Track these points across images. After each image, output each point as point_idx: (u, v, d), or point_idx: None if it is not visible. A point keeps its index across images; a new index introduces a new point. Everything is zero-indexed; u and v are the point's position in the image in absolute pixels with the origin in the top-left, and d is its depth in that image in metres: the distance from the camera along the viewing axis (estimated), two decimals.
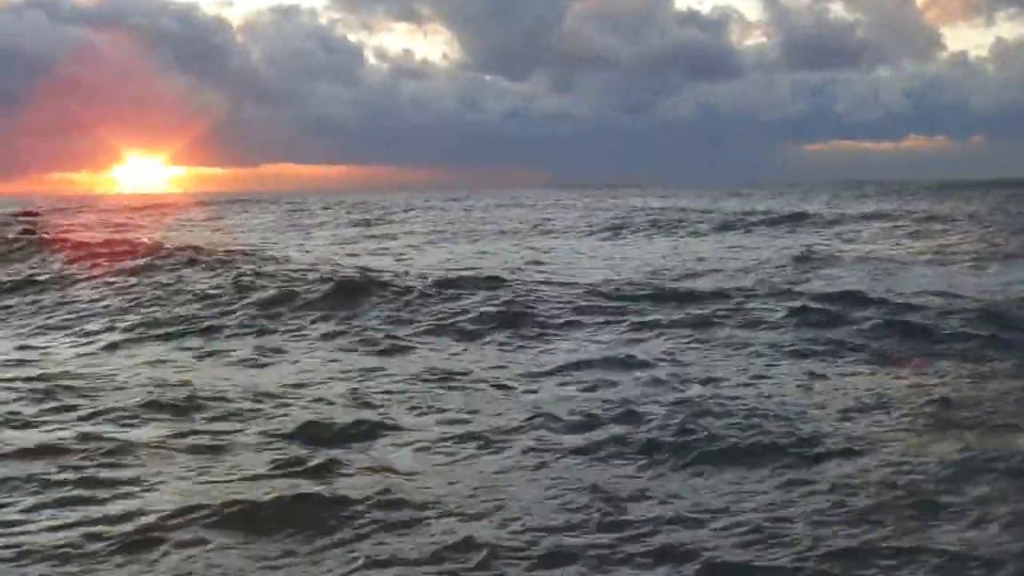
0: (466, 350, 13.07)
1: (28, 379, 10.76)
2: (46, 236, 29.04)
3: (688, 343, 13.02)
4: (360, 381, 11.00)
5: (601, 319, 14.82)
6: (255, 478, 7.41)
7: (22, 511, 6.73)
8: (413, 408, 9.71)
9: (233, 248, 27.05)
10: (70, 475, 7.40)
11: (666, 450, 8.10)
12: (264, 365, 12.19)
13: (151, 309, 16.48)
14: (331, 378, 11.19)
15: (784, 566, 5.82)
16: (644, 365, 11.55)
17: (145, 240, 27.98)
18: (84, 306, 17.21)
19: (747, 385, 10.56)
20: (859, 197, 72.09)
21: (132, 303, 17.16)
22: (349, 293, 16.80)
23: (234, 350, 13.15)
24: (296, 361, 12.39)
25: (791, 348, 12.49)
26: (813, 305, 15.03)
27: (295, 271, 19.81)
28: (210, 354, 12.98)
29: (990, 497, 6.82)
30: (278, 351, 13.06)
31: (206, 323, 15.11)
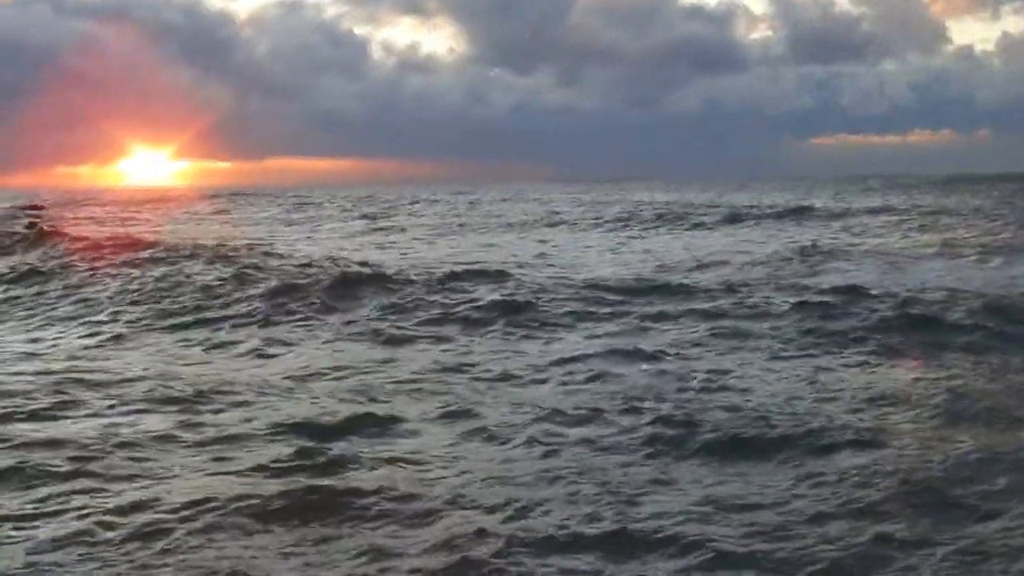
0: (473, 342, 13.09)
1: (37, 373, 10.81)
2: (51, 229, 29.09)
3: (695, 336, 13.03)
4: (367, 373, 11.02)
5: (608, 311, 14.84)
6: (265, 470, 7.43)
7: (35, 502, 6.77)
8: (420, 400, 9.73)
9: (239, 241, 27.11)
10: (82, 467, 7.44)
11: (673, 442, 8.12)
12: (272, 357, 12.23)
13: (158, 301, 16.52)
14: (338, 370, 11.21)
15: (791, 558, 5.83)
16: (651, 357, 11.57)
17: (150, 233, 28.04)
18: (90, 298, 17.27)
19: (754, 378, 10.57)
20: (865, 191, 72.06)
21: (138, 295, 17.20)
22: (356, 286, 16.86)
23: (241, 342, 13.19)
24: (303, 353, 12.42)
25: (798, 341, 12.51)
26: (819, 299, 15.07)
27: (301, 264, 19.86)
28: (217, 346, 13.03)
29: (1000, 490, 6.82)
30: (285, 343, 13.09)
31: (212, 315, 15.17)
